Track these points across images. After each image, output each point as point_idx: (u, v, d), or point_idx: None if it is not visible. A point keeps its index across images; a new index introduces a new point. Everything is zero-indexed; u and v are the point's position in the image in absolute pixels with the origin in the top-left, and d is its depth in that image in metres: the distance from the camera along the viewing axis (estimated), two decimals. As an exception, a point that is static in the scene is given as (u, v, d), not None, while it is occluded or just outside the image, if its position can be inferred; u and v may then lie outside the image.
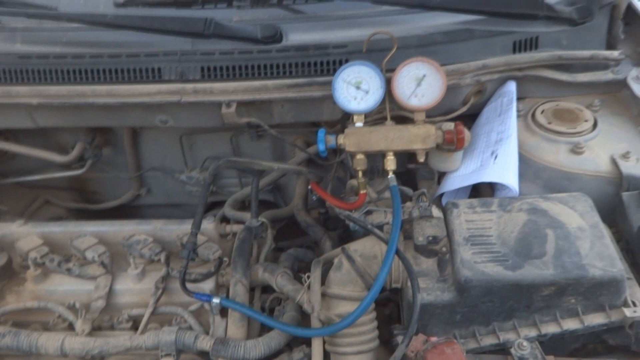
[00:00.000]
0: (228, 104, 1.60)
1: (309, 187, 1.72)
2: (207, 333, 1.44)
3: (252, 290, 1.54)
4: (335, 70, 1.54)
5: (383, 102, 1.53)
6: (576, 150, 1.55)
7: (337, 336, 1.35)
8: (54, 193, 2.18)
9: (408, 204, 1.47)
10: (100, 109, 1.67)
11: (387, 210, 1.49)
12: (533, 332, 1.31)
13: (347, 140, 1.51)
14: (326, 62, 1.60)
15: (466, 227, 1.36)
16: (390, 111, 1.56)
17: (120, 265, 1.59)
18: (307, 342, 1.42)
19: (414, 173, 1.77)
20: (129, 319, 1.51)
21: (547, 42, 1.68)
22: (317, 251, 1.75)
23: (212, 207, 2.11)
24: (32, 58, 1.67)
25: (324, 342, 1.37)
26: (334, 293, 1.38)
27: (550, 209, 1.39)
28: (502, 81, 1.69)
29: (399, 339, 1.32)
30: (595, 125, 1.62)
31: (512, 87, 1.67)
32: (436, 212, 1.41)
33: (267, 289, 1.59)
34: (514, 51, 1.66)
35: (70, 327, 1.51)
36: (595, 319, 1.30)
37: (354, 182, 1.64)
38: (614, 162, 1.52)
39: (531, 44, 1.67)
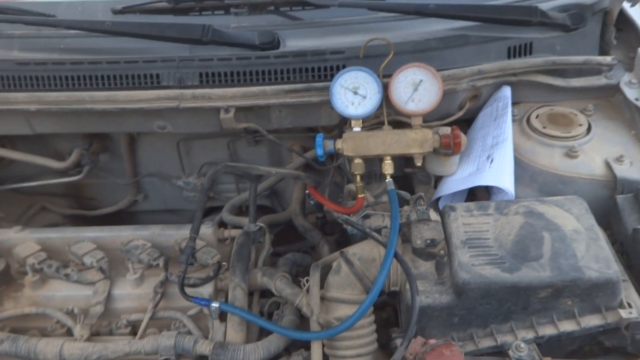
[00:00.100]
0: (226, 110, 1.61)
1: (307, 191, 1.73)
2: (206, 337, 1.44)
3: (250, 294, 1.54)
4: (332, 76, 1.56)
5: (380, 107, 1.55)
6: (571, 154, 1.57)
7: (336, 339, 1.36)
8: (50, 200, 2.17)
9: (405, 207, 1.48)
10: (99, 115, 1.67)
11: (384, 214, 1.50)
12: (530, 334, 1.32)
13: (345, 145, 1.52)
14: (324, 68, 1.61)
15: (463, 230, 1.38)
16: (388, 116, 1.58)
17: (119, 270, 1.59)
18: (306, 346, 1.43)
19: (411, 177, 1.78)
20: (127, 324, 1.51)
21: (541, 47, 1.70)
22: (314, 256, 1.75)
23: (209, 212, 2.11)
24: (30, 64, 1.67)
25: (323, 346, 1.37)
26: (332, 296, 1.38)
27: (546, 211, 1.40)
28: (497, 86, 1.71)
29: (398, 341, 1.34)
30: (589, 129, 1.64)
31: (507, 92, 1.68)
32: (434, 215, 1.42)
33: (265, 293, 1.59)
34: (509, 57, 1.68)
35: (69, 332, 1.51)
36: (592, 321, 1.31)
37: (351, 186, 1.65)
38: (608, 165, 1.54)
39: (525, 49, 1.69)
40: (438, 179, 1.70)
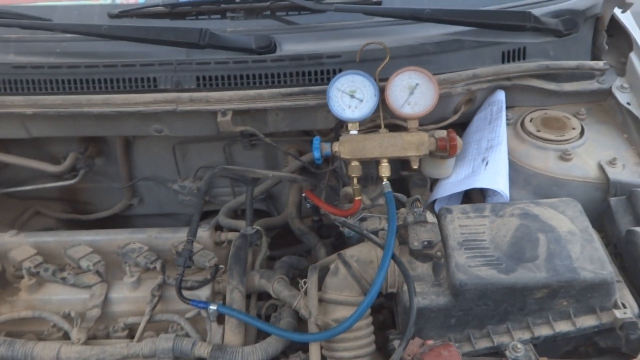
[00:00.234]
0: (224, 113, 1.62)
1: (303, 194, 1.74)
2: (204, 340, 1.44)
3: (247, 297, 1.54)
4: (329, 80, 1.57)
5: (377, 110, 1.56)
6: (564, 157, 1.59)
7: (334, 341, 1.36)
8: (45, 204, 2.17)
9: (402, 210, 1.49)
10: (95, 118, 1.68)
11: (381, 216, 1.52)
12: (526, 335, 1.33)
13: (342, 148, 1.53)
14: (320, 72, 1.62)
15: (460, 232, 1.39)
16: (384, 119, 1.59)
17: (115, 274, 1.60)
18: (303, 348, 1.43)
19: (407, 180, 1.79)
20: (124, 327, 1.51)
21: (535, 52, 1.72)
22: (310, 259, 1.76)
23: (204, 216, 2.10)
24: (27, 68, 1.67)
25: (321, 348, 1.37)
26: (330, 298, 1.39)
27: (541, 213, 1.42)
28: (492, 90, 1.73)
29: (395, 343, 1.34)
30: (582, 132, 1.66)
31: (501, 96, 1.70)
32: (430, 217, 1.44)
33: (262, 296, 1.59)
34: (503, 61, 1.70)
35: (65, 336, 1.51)
36: (587, 321, 1.33)
37: (348, 189, 1.66)
38: (601, 168, 1.56)
39: (519, 54, 1.71)
40: (434, 182, 1.71)
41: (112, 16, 1.78)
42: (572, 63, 1.72)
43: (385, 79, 1.55)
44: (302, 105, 1.62)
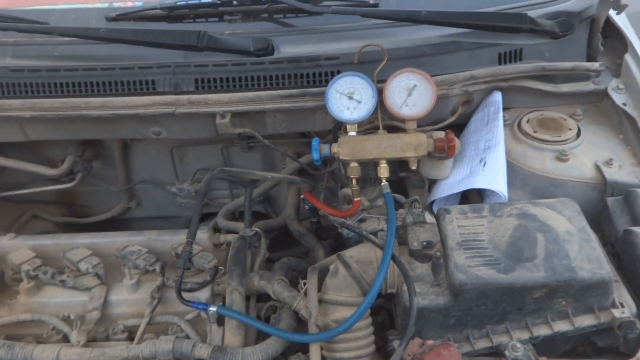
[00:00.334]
0: (222, 115, 1.62)
1: (302, 196, 1.74)
2: (204, 342, 1.44)
3: (247, 299, 1.54)
4: (327, 82, 1.58)
5: (375, 111, 1.57)
6: (561, 157, 1.60)
7: (334, 342, 1.36)
8: (42, 207, 2.16)
9: (401, 210, 1.50)
10: (94, 121, 1.68)
11: (380, 217, 1.52)
12: (525, 335, 1.34)
13: (341, 149, 1.54)
14: (318, 74, 1.63)
15: (459, 232, 1.39)
16: (382, 121, 1.60)
17: (114, 276, 1.59)
18: (303, 349, 1.43)
19: (405, 182, 1.79)
20: (124, 329, 1.51)
21: (531, 54, 1.74)
22: (308, 261, 1.76)
23: (202, 219, 2.10)
24: (25, 71, 1.67)
25: (321, 348, 1.38)
26: (330, 299, 1.39)
27: (539, 213, 1.42)
28: (489, 91, 1.74)
29: (395, 343, 1.35)
30: (578, 133, 1.67)
31: (498, 97, 1.71)
32: (429, 218, 1.44)
33: (261, 297, 1.60)
34: (500, 62, 1.71)
35: (65, 339, 1.50)
36: (585, 321, 1.33)
37: (346, 191, 1.66)
38: (597, 168, 1.58)
39: (516, 55, 1.72)
40: (432, 183, 1.72)
41: (110, 19, 1.78)
42: (568, 64, 1.73)
43: (383, 81, 1.56)
44: (301, 107, 1.62)
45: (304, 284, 1.43)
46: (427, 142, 1.54)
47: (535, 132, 1.66)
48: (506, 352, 1.27)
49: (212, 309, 1.41)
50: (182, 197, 2.06)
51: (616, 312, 1.32)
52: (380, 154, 1.53)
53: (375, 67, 1.58)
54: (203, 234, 1.61)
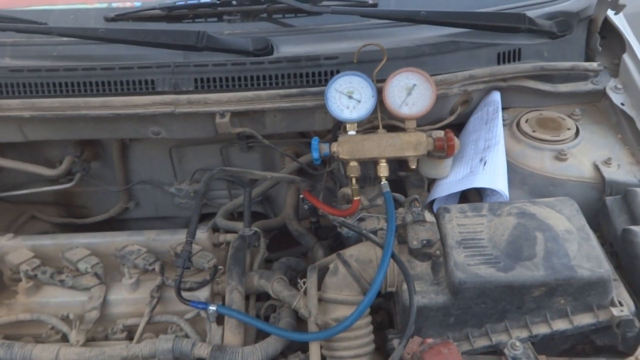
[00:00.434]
0: (222, 114, 1.62)
1: (302, 196, 1.74)
2: (203, 341, 1.44)
3: (246, 298, 1.54)
4: (327, 81, 1.58)
5: (375, 111, 1.57)
6: (560, 157, 1.60)
7: (334, 340, 1.36)
8: (40, 208, 2.16)
9: (400, 209, 1.50)
10: (93, 121, 1.67)
11: (379, 216, 1.52)
12: (524, 334, 1.34)
13: (340, 148, 1.54)
14: (318, 73, 1.63)
15: (458, 231, 1.39)
16: (382, 120, 1.60)
17: (114, 276, 1.60)
18: (302, 348, 1.44)
19: (404, 181, 1.80)
20: (123, 329, 1.51)
21: (530, 53, 1.74)
22: (307, 261, 1.76)
23: (201, 219, 2.10)
24: (24, 71, 1.67)
25: (321, 347, 1.38)
26: (330, 298, 1.39)
27: (538, 212, 1.43)
28: (488, 91, 1.75)
29: (395, 342, 1.35)
30: (577, 133, 1.68)
31: (496, 96, 1.72)
32: (429, 216, 1.44)
33: (261, 297, 1.60)
34: (499, 62, 1.72)
35: (64, 339, 1.50)
36: (584, 319, 1.34)
37: (346, 190, 1.66)
38: (596, 168, 1.58)
39: (514, 55, 1.73)
40: (431, 183, 1.73)
41: (109, 19, 1.78)
42: (567, 64, 1.74)
43: (383, 80, 1.57)
44: (300, 106, 1.62)
45: (304, 282, 1.43)
46: (426, 141, 1.54)
47: (534, 131, 1.67)
48: (505, 351, 1.27)
49: (212, 308, 1.41)
50: (180, 197, 2.06)
51: (615, 311, 1.32)
52: (379, 153, 1.53)
53: (375, 67, 1.58)
54: (202, 234, 1.61)
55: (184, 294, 1.45)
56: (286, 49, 1.68)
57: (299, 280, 1.44)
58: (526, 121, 1.71)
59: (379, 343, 1.44)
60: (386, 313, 1.59)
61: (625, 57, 1.81)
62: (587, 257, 1.32)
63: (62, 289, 1.55)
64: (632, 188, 1.51)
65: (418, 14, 1.64)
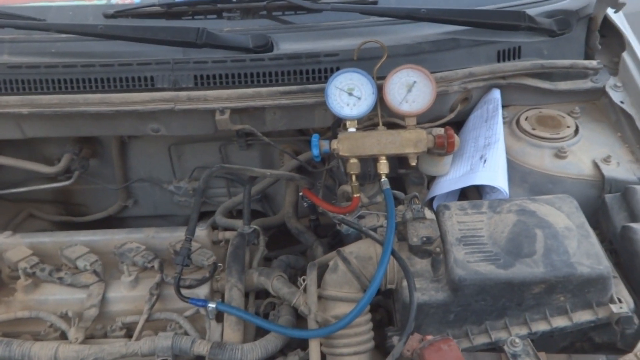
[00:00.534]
0: (222, 111, 1.62)
1: (301, 193, 1.74)
2: (203, 338, 1.43)
3: (246, 295, 1.54)
4: (327, 78, 1.58)
5: (375, 108, 1.57)
6: (560, 154, 1.60)
7: (334, 337, 1.36)
8: (38, 206, 2.15)
9: (400, 207, 1.50)
10: (92, 117, 1.67)
11: (379, 213, 1.52)
12: (524, 331, 1.34)
13: (340, 145, 1.53)
14: (318, 70, 1.63)
15: (458, 228, 1.40)
16: (382, 117, 1.60)
17: (112, 274, 1.59)
18: (302, 346, 1.44)
19: (404, 179, 1.80)
20: (122, 326, 1.50)
21: (529, 51, 1.74)
22: (306, 259, 1.76)
23: (200, 217, 2.09)
24: (22, 68, 1.66)
25: (321, 344, 1.37)
26: (330, 295, 1.39)
27: (538, 210, 1.43)
28: (487, 89, 1.75)
29: (394, 339, 1.34)
30: (577, 131, 1.68)
31: (496, 94, 1.72)
32: (429, 214, 1.44)
33: (260, 294, 1.59)
34: (498, 60, 1.72)
35: (62, 336, 1.50)
36: (583, 316, 1.34)
37: (345, 187, 1.66)
38: (596, 165, 1.58)
39: (514, 53, 1.73)
40: (431, 180, 1.73)
41: (108, 16, 1.77)
42: (566, 62, 1.74)
43: (383, 77, 1.56)
44: (300, 103, 1.62)
45: (304, 280, 1.43)
46: (426, 138, 1.54)
47: (533, 129, 1.67)
48: (505, 348, 1.27)
49: (211, 305, 1.41)
50: (179, 195, 2.06)
51: (614, 308, 1.32)
52: (379, 150, 1.53)
53: (375, 64, 1.58)
54: (202, 231, 1.61)
55: (184, 292, 1.45)
56: (286, 45, 1.67)
57: (299, 278, 1.44)
58: (526, 119, 1.71)
59: (378, 341, 1.44)
60: (385, 311, 1.59)
61: (625, 55, 1.81)
62: (587, 254, 1.33)
63: (61, 287, 1.54)
64: (631, 186, 1.51)
65: (418, 11, 1.64)
